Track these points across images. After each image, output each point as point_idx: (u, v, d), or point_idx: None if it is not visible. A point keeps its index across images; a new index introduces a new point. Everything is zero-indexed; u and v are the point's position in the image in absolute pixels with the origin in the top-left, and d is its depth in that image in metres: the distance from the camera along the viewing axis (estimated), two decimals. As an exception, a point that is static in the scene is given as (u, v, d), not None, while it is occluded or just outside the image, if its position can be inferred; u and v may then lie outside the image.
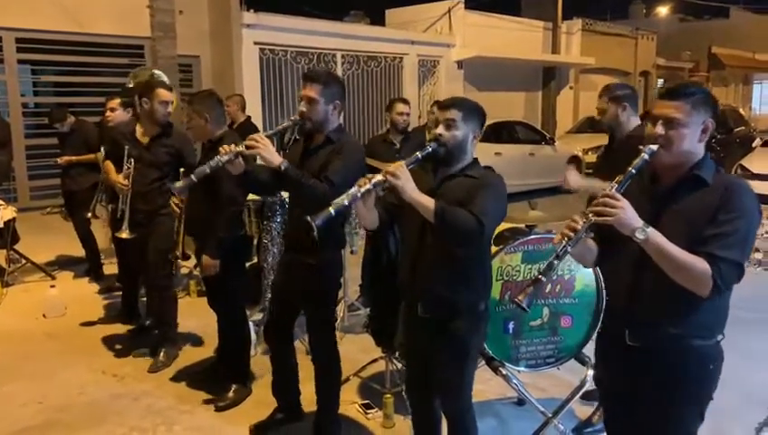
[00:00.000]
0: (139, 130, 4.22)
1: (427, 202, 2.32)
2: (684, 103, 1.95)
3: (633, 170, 1.95)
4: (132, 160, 4.13)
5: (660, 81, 23.95)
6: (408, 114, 5.37)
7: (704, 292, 1.88)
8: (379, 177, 2.28)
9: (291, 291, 3.22)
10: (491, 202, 2.36)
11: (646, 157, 1.96)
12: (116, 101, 4.84)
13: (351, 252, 4.84)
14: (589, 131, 14.74)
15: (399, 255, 2.78)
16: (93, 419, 3.64)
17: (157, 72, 6.13)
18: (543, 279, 1.91)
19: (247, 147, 2.81)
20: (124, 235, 4.13)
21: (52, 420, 3.64)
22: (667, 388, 2.06)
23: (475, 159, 2.57)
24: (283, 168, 2.83)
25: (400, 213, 2.52)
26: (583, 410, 3.57)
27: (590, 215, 1.89)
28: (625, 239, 1.91)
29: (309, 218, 2.18)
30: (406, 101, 5.55)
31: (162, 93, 4.10)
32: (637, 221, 1.87)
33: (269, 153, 2.81)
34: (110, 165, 4.33)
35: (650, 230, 1.86)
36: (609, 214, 1.86)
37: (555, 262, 1.91)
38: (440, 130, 2.47)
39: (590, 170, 11.96)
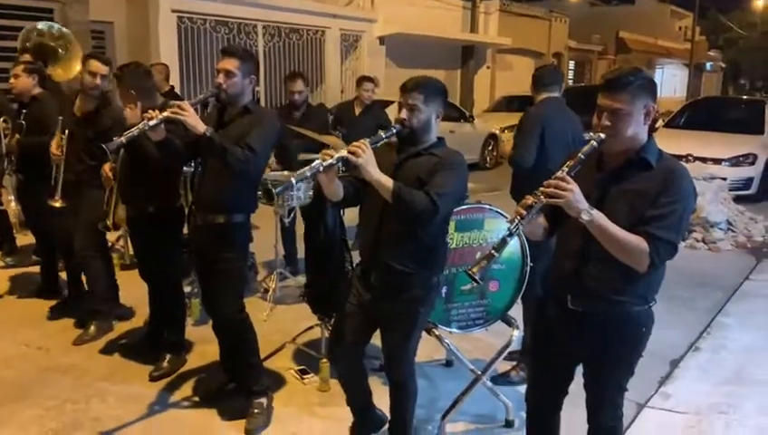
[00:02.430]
0: (78, 101, 4.11)
1: (386, 182, 2.43)
2: (624, 94, 2.08)
3: (582, 156, 2.10)
4: (66, 131, 4.04)
5: (572, 62, 24.91)
6: (300, 92, 5.40)
7: (641, 268, 2.07)
8: (342, 152, 2.38)
9: (202, 250, 3.30)
10: (449, 183, 2.49)
11: (595, 144, 2.11)
12: (20, 68, 4.65)
13: (284, 225, 4.89)
14: (505, 110, 15.24)
15: (360, 225, 2.88)
16: (22, 392, 3.56)
17: (42, 25, 5.81)
18: (497, 254, 2.06)
19: (172, 113, 2.89)
20: (57, 204, 4.07)
21: (-25, 395, 3.54)
22: (604, 348, 2.26)
23: (441, 139, 2.67)
24: (207, 134, 2.91)
25: (365, 187, 2.59)
26: (505, 368, 3.82)
27: (542, 196, 2.04)
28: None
29: (270, 186, 2.26)
30: (302, 75, 5.55)
31: (93, 64, 3.98)
32: (583, 204, 2.02)
33: (194, 120, 2.89)
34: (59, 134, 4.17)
35: (595, 213, 2.03)
36: (560, 196, 2.02)
37: (508, 239, 2.06)
38: (403, 114, 2.57)
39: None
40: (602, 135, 2.12)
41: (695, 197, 2.15)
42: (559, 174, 2.07)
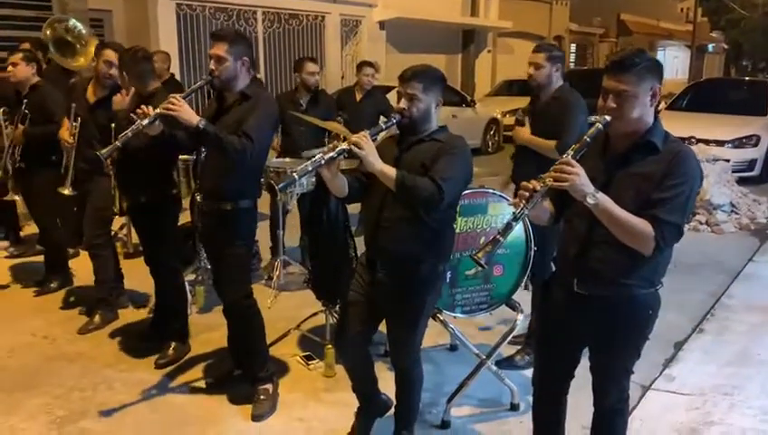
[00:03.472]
0: (90, 88, 4.14)
1: (389, 171, 2.42)
2: (630, 75, 2.06)
3: (588, 139, 2.09)
4: (79, 119, 4.05)
5: (573, 45, 24.75)
6: (318, 73, 5.38)
7: (646, 251, 2.06)
8: (343, 145, 2.38)
9: (210, 237, 3.32)
10: (453, 168, 2.47)
11: (600, 127, 2.10)
12: (18, 56, 4.65)
13: (287, 211, 4.89)
14: (506, 94, 15.18)
15: (362, 212, 2.87)
16: (28, 381, 3.58)
17: (72, 22, 5.86)
18: (502, 239, 2.05)
19: (165, 109, 2.89)
20: (66, 191, 4.08)
21: (-18, 384, 3.56)
22: (610, 332, 2.25)
23: (443, 127, 2.65)
24: (201, 126, 2.91)
25: (369, 179, 2.58)
26: (510, 352, 3.82)
27: (548, 180, 2.03)
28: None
29: (272, 182, 2.27)
30: (315, 60, 5.55)
31: (108, 54, 4.01)
32: (589, 187, 2.01)
33: (186, 114, 2.90)
34: (65, 120, 4.20)
35: (600, 196, 2.02)
36: (565, 180, 2.00)
37: (513, 223, 2.05)
38: (403, 104, 2.55)
39: (509, 133, 12.44)
40: (608, 117, 2.10)
41: (701, 179, 2.14)
42: (564, 158, 2.06)
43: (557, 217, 2.37)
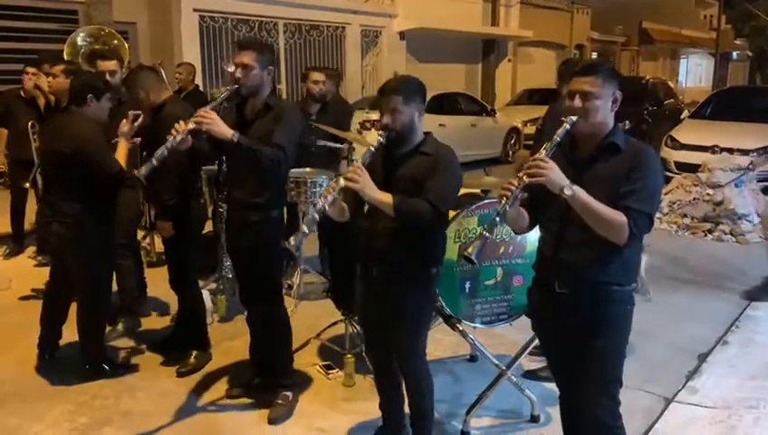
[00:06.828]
0: None
1: (386, 199, 2.49)
2: (595, 78, 2.22)
3: (558, 138, 2.22)
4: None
5: (594, 54, 24.62)
6: (324, 82, 5.24)
7: (621, 240, 2.16)
8: (341, 183, 2.45)
9: (235, 247, 3.36)
10: (446, 186, 2.55)
11: (567, 127, 2.23)
12: (59, 68, 4.72)
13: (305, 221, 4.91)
14: (527, 103, 15.13)
15: (358, 220, 2.90)
16: (52, 388, 3.63)
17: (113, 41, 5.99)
18: (488, 235, 2.15)
19: (196, 123, 2.94)
20: None
21: (7, 392, 3.60)
22: (593, 327, 2.31)
23: (427, 134, 2.69)
24: (235, 139, 2.96)
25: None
26: (530, 366, 3.80)
27: (524, 176, 2.13)
28: (552, 201, 2.20)
29: (285, 244, 2.39)
30: (320, 69, 5.47)
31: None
32: (564, 180, 2.12)
33: (219, 127, 2.95)
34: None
35: (576, 188, 2.12)
36: (540, 175, 2.11)
37: (497, 219, 2.16)
38: (386, 119, 2.60)
39: (530, 142, 12.39)
40: (574, 118, 2.22)
41: (662, 174, 2.31)
42: (537, 155, 2.17)
43: (532, 223, 2.46)
